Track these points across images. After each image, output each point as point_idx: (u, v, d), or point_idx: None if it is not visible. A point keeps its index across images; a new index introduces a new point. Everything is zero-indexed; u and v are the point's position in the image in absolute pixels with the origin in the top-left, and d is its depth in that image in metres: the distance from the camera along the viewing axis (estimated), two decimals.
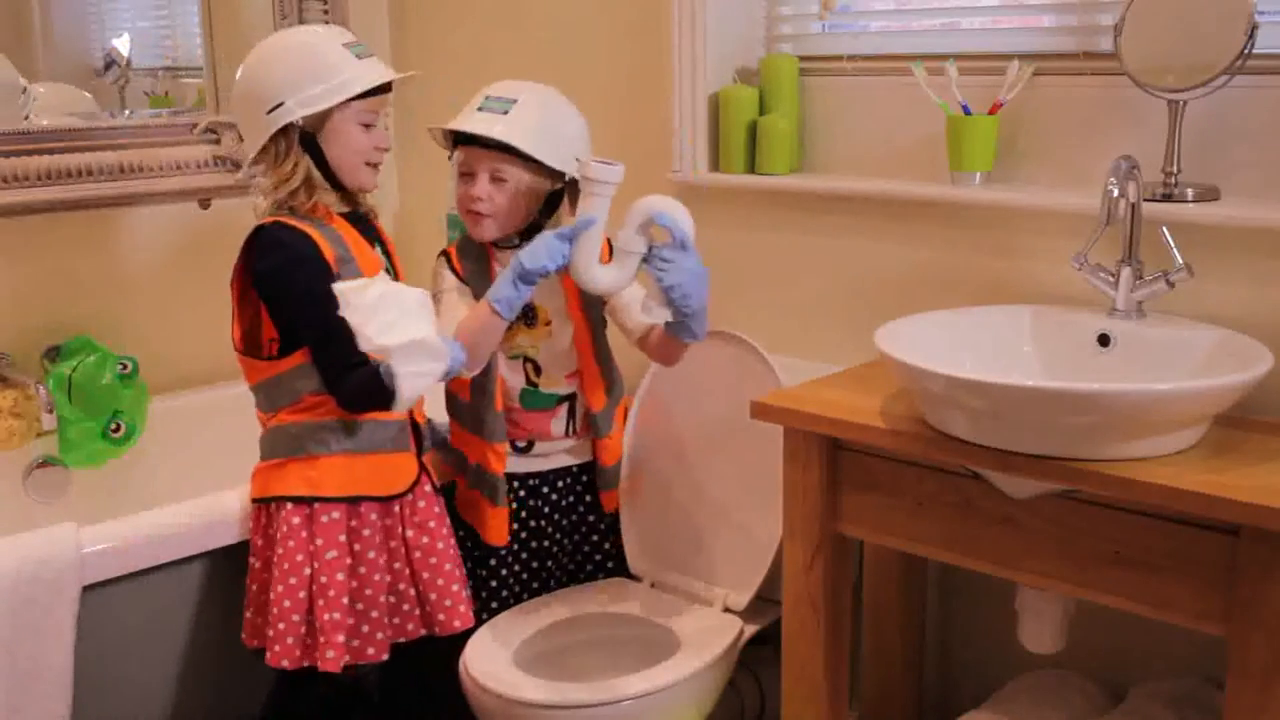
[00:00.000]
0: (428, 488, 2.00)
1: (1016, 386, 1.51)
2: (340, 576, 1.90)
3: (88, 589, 1.87)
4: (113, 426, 2.34)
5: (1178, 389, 1.50)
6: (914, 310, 1.85)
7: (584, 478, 2.17)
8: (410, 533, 1.97)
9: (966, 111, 1.98)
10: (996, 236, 1.99)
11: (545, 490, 2.14)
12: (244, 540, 1.98)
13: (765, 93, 2.24)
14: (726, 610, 2.06)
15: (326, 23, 2.63)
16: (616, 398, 2.15)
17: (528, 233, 2.01)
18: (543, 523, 2.14)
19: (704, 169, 2.31)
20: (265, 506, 1.94)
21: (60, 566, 1.83)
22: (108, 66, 2.66)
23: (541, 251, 1.82)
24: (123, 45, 2.67)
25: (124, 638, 1.95)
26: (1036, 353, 1.82)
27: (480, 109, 1.96)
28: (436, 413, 2.16)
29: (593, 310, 2.08)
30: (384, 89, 1.95)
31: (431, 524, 1.98)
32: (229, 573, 2.01)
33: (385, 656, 1.95)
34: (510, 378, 2.07)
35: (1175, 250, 1.72)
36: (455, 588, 1.98)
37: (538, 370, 2.08)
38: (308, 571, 1.90)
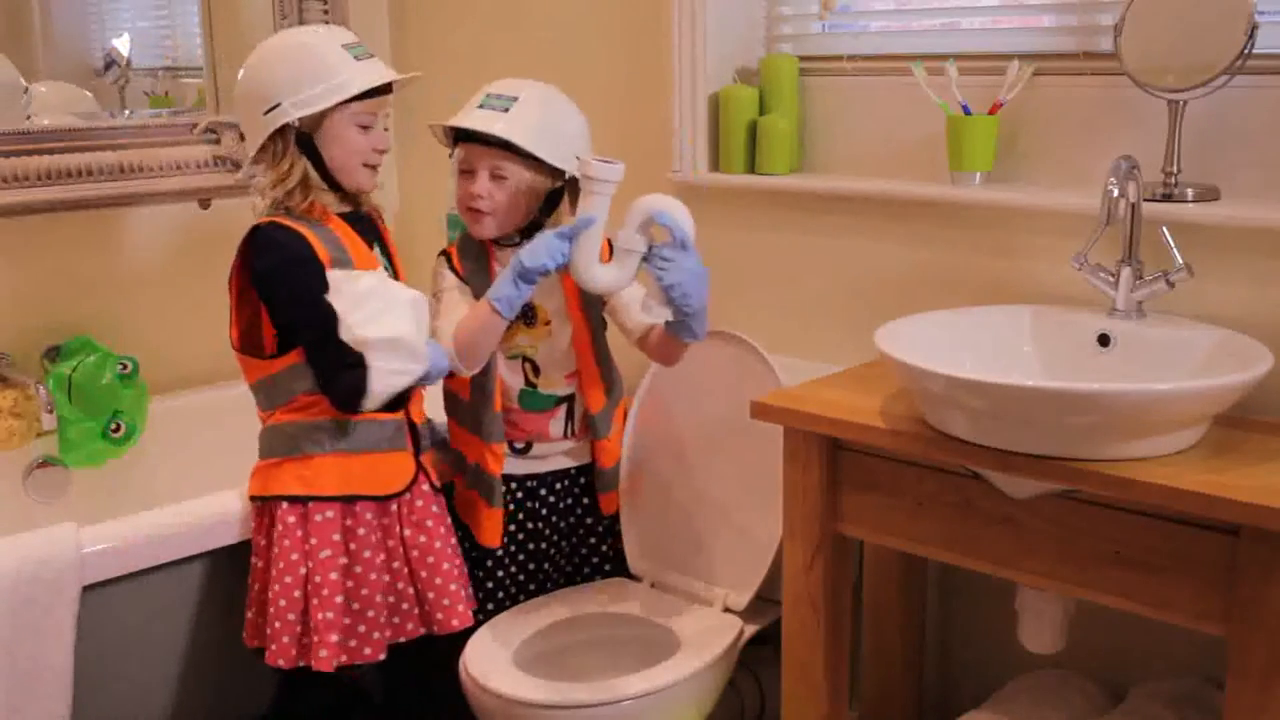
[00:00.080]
0: (425, 487, 2.00)
1: (1016, 386, 1.51)
2: (334, 576, 1.90)
3: (88, 589, 1.87)
4: (113, 426, 2.34)
5: (1178, 389, 1.50)
6: (914, 310, 1.85)
7: (582, 480, 2.17)
8: (408, 532, 1.97)
9: (966, 111, 1.98)
10: (996, 236, 1.99)
11: (543, 492, 2.14)
12: (244, 540, 1.98)
13: (765, 93, 2.24)
14: (726, 610, 2.06)
15: (326, 23, 2.63)
16: (615, 399, 2.15)
17: (528, 231, 2.01)
18: (540, 525, 2.14)
19: (704, 169, 2.31)
20: (264, 506, 1.94)
21: (60, 566, 1.83)
22: (108, 66, 2.66)
23: (541, 250, 1.82)
24: (123, 45, 2.67)
25: (124, 638, 1.95)
26: (1036, 353, 1.82)
27: (481, 106, 1.96)
28: (436, 413, 2.16)
29: (592, 310, 2.08)
30: (384, 90, 1.95)
31: (429, 523, 1.98)
32: (229, 573, 2.01)
33: (382, 656, 1.95)
34: (509, 378, 2.07)
35: (1175, 250, 1.72)
36: (453, 587, 1.98)
37: (536, 371, 2.08)
38: (303, 571, 1.90)
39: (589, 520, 2.19)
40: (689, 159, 2.31)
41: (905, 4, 2.23)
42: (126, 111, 2.64)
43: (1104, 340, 1.77)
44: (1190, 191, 1.78)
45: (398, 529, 1.96)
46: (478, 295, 1.96)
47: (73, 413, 2.28)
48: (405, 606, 1.98)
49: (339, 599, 1.90)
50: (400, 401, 1.93)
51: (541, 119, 1.96)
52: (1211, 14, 1.72)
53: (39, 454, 2.28)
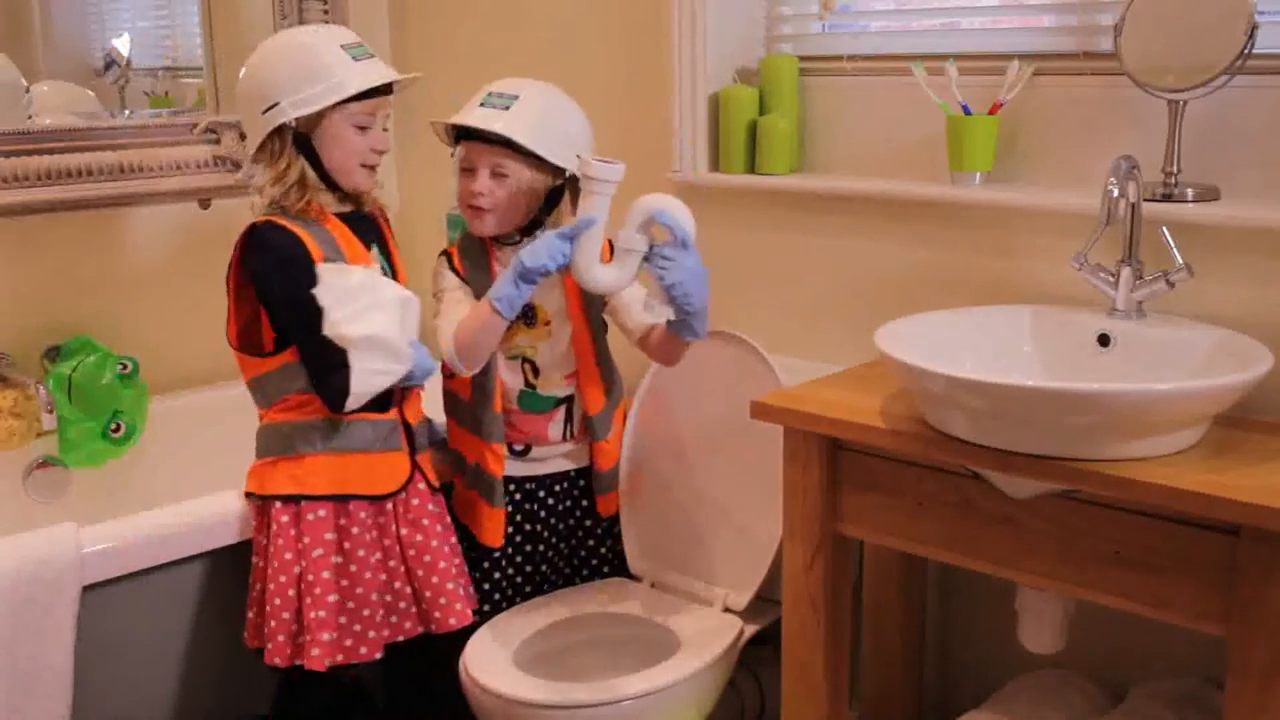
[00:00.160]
0: (421, 485, 2.00)
1: (1016, 386, 1.51)
2: (326, 575, 1.90)
3: (88, 589, 1.87)
4: (113, 426, 2.34)
5: (1178, 389, 1.50)
6: (914, 310, 1.85)
7: (581, 482, 2.17)
8: (404, 531, 1.97)
9: (966, 111, 1.98)
10: (996, 236, 1.99)
11: (542, 494, 2.14)
12: (244, 540, 1.98)
13: (765, 93, 2.24)
14: (726, 610, 2.06)
15: (327, 23, 2.63)
16: (615, 400, 2.15)
17: (528, 229, 2.02)
18: (539, 526, 2.14)
19: (704, 169, 2.31)
20: (262, 505, 1.95)
21: (60, 566, 1.83)
22: (108, 66, 2.66)
23: (542, 251, 1.82)
24: (123, 45, 2.67)
25: (124, 638, 1.95)
26: (1036, 353, 1.82)
27: (482, 104, 1.96)
28: (435, 413, 2.16)
29: (593, 310, 2.08)
30: (383, 91, 1.95)
31: (425, 522, 1.98)
32: (229, 573, 2.01)
33: (379, 655, 1.95)
34: (509, 379, 2.07)
35: (1175, 250, 1.72)
36: (450, 586, 1.98)
37: (536, 371, 2.08)
38: (297, 570, 1.91)
39: (588, 522, 2.19)
40: (689, 159, 2.31)
41: (905, 4, 2.23)
42: (126, 111, 2.64)
43: (1104, 340, 1.77)
44: (1190, 191, 1.78)
45: (393, 528, 1.96)
46: (478, 295, 1.96)
47: (73, 413, 2.28)
48: (402, 605, 1.98)
49: (331, 598, 1.90)
50: (387, 401, 1.94)
51: (542, 117, 1.96)
52: (1211, 14, 1.72)
53: (39, 454, 2.28)
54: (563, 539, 2.18)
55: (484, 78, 2.03)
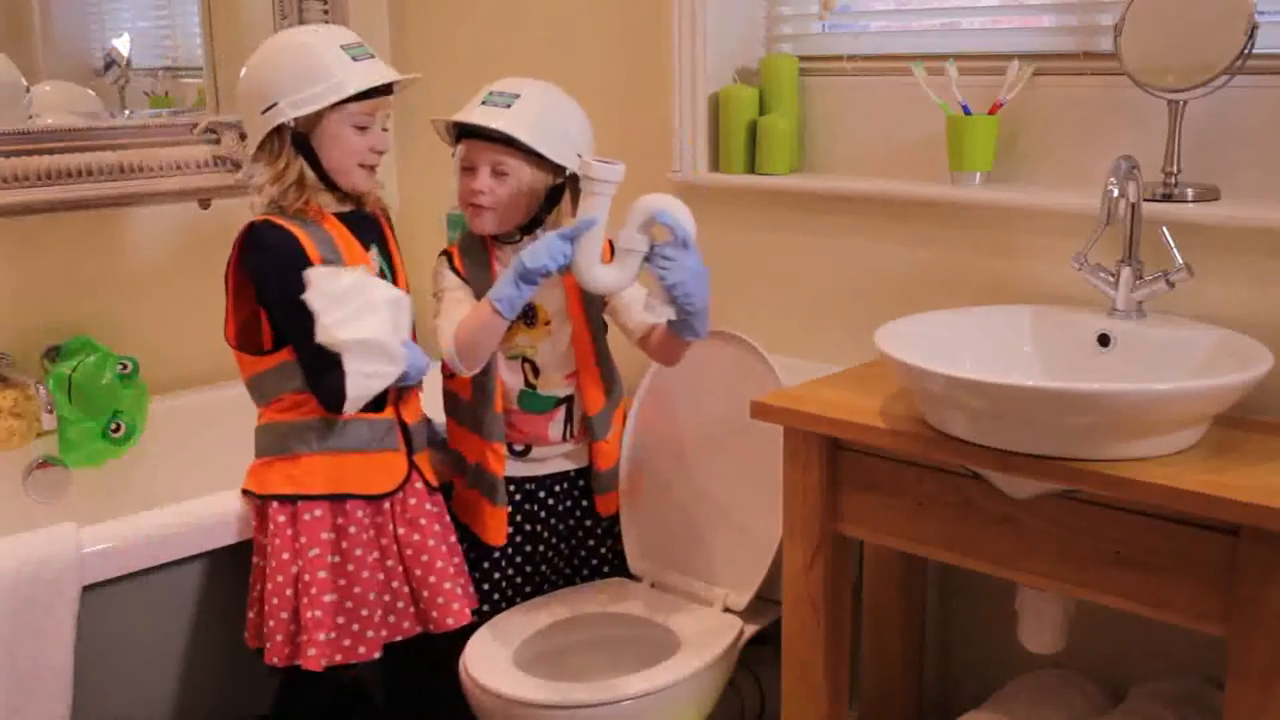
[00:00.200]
0: (419, 485, 2.00)
1: (1016, 386, 1.51)
2: (322, 574, 1.90)
3: (88, 589, 1.87)
4: (113, 426, 2.34)
5: (1178, 389, 1.50)
6: (914, 310, 1.85)
7: (581, 482, 2.17)
8: (401, 530, 1.97)
9: (966, 111, 1.98)
10: (996, 236, 1.99)
11: (542, 495, 2.14)
12: (244, 540, 1.98)
13: (765, 93, 2.24)
14: (726, 610, 2.06)
15: (327, 23, 2.63)
16: (615, 401, 2.15)
17: (528, 228, 2.02)
18: (539, 527, 2.14)
19: (704, 169, 2.31)
20: (259, 505, 1.95)
21: (60, 566, 1.83)
22: (108, 66, 2.66)
23: (543, 252, 1.82)
24: (123, 45, 2.67)
25: (124, 638, 1.95)
26: (1036, 353, 1.82)
27: (484, 103, 1.97)
28: (435, 413, 2.16)
29: (593, 310, 2.08)
30: (383, 91, 1.95)
31: (423, 521, 1.98)
32: (229, 573, 2.01)
33: (377, 655, 1.95)
34: (509, 379, 2.07)
35: (1175, 250, 1.72)
36: (448, 585, 1.98)
37: (536, 371, 2.08)
38: (294, 570, 1.91)
39: (588, 522, 2.19)
40: (689, 159, 2.31)
41: (905, 4, 2.23)
42: (126, 111, 2.64)
43: (1104, 340, 1.77)
44: (1190, 191, 1.78)
45: (391, 528, 1.97)
46: (479, 295, 1.96)
47: (73, 413, 2.28)
48: (401, 605, 1.98)
49: (327, 598, 1.90)
50: (382, 401, 1.94)
51: (543, 116, 1.96)
52: (1211, 14, 1.72)
53: (39, 454, 2.28)
54: (563, 539, 2.18)
55: (484, 78, 2.03)
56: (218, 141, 2.57)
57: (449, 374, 2.08)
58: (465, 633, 2.00)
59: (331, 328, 1.79)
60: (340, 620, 1.92)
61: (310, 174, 1.92)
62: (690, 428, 2.17)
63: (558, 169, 1.99)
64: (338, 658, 1.91)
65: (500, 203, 1.98)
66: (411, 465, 2.00)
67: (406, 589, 1.98)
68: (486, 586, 2.13)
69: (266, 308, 1.90)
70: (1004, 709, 1.92)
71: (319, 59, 1.89)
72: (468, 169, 1.99)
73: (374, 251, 2.00)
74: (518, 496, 2.12)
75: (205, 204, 2.57)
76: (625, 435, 2.20)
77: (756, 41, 2.34)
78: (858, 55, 2.20)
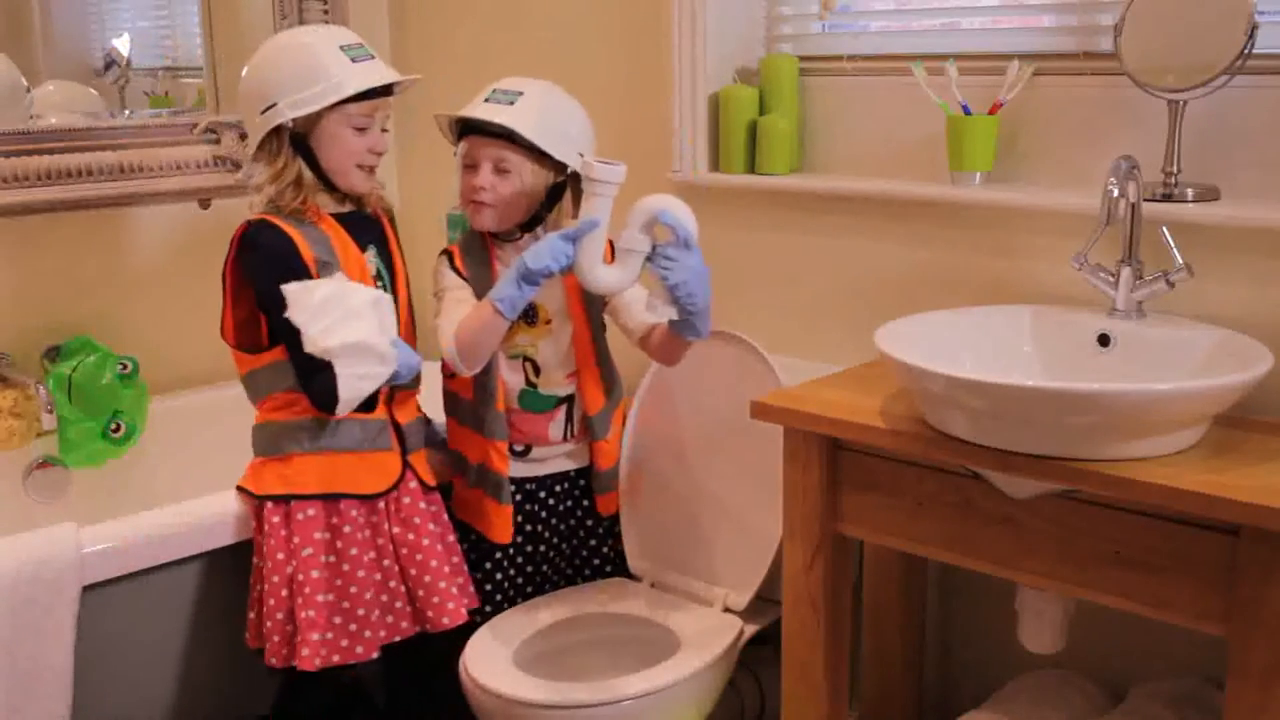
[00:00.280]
0: (413, 484, 2.00)
1: (1016, 386, 1.51)
2: (316, 574, 1.91)
3: (88, 589, 1.87)
4: (113, 426, 2.34)
5: (1178, 389, 1.50)
6: (914, 310, 1.85)
7: (581, 482, 2.17)
8: (397, 530, 1.97)
9: (966, 111, 1.98)
10: (996, 236, 1.99)
11: (542, 494, 2.14)
12: (244, 540, 1.98)
13: (765, 93, 2.24)
14: (726, 610, 2.06)
15: (326, 23, 2.63)
16: (615, 400, 2.15)
17: (529, 226, 2.02)
18: (539, 527, 2.14)
19: (704, 169, 2.31)
20: (256, 506, 1.95)
21: (60, 566, 1.83)
22: (108, 66, 2.66)
23: (545, 252, 1.82)
24: (123, 45, 2.67)
25: (124, 638, 1.95)
26: (1036, 353, 1.82)
27: (487, 100, 1.98)
28: (435, 413, 2.16)
29: (593, 310, 2.08)
30: (382, 92, 1.95)
31: (417, 520, 1.98)
32: (229, 573, 2.01)
33: (375, 655, 1.95)
34: (510, 378, 2.07)
35: (1175, 250, 1.72)
36: (444, 584, 1.98)
37: (537, 370, 2.08)
38: (289, 570, 1.91)
39: (589, 522, 2.19)
40: (689, 159, 2.31)
41: (905, 4, 2.23)
42: (126, 111, 2.64)
43: (1104, 340, 1.77)
44: (1190, 191, 1.78)
45: (387, 527, 1.97)
46: (480, 294, 1.96)
47: (73, 413, 2.28)
48: (398, 605, 1.98)
49: (320, 597, 1.90)
50: (372, 402, 1.94)
51: (546, 113, 1.97)
52: (1211, 14, 1.72)
53: (39, 454, 2.28)
54: (563, 539, 2.18)
55: (484, 78, 2.03)
56: (218, 141, 2.57)
57: (449, 374, 2.08)
58: (465, 633, 2.00)
59: (318, 338, 1.80)
60: (337, 620, 1.92)
61: (308, 174, 1.92)
62: (690, 428, 2.17)
63: (559, 167, 1.99)
64: (335, 658, 1.91)
65: (502, 200, 1.98)
66: (405, 464, 2.00)
67: (403, 589, 1.98)
68: (488, 587, 2.13)
69: (262, 309, 1.91)
70: (1004, 709, 1.92)
71: (318, 59, 1.89)
72: (469, 167, 2.00)
73: (371, 252, 2.00)
74: (518, 496, 2.12)
75: (205, 204, 2.57)
76: (625, 435, 2.20)
77: (756, 41, 2.34)
78: (858, 55, 2.20)
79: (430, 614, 1.97)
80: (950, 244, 2.04)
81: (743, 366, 2.07)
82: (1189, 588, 1.48)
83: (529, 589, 2.16)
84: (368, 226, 2.01)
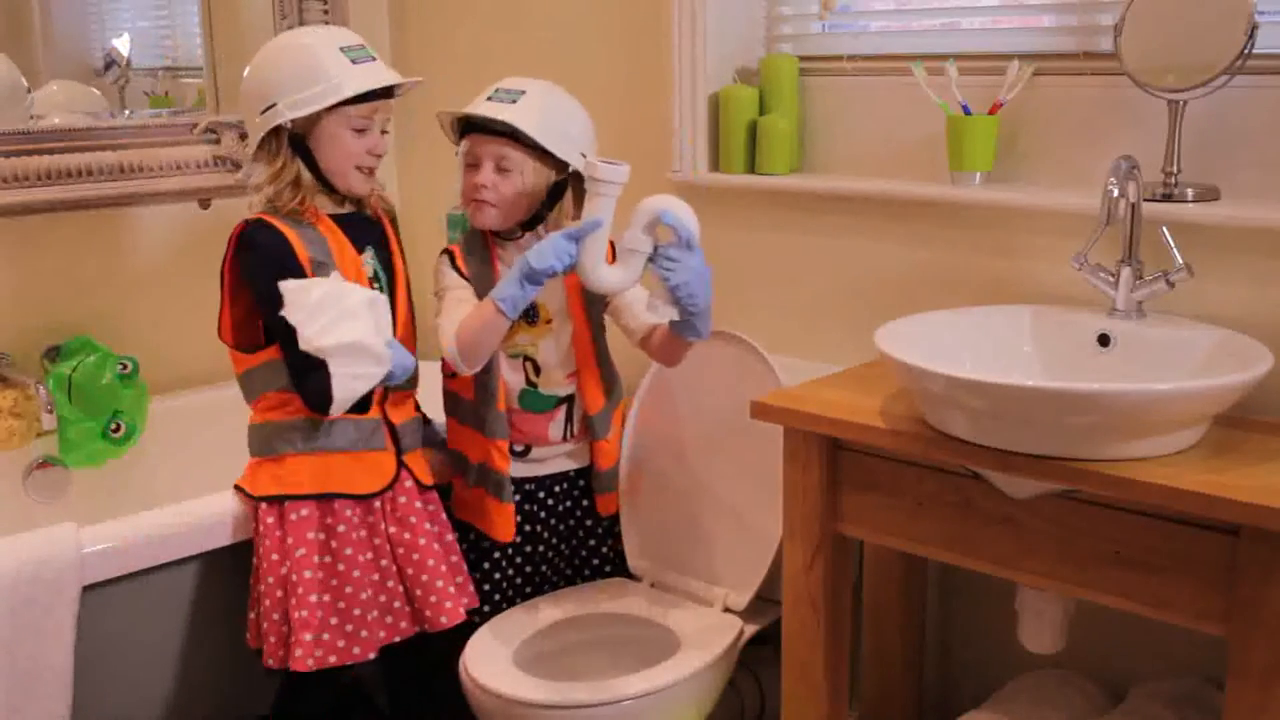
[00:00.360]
0: (409, 483, 2.00)
1: (1016, 386, 1.51)
2: (309, 574, 1.91)
3: (88, 589, 1.87)
4: (113, 426, 2.34)
5: (1178, 389, 1.50)
6: (914, 310, 1.85)
7: (581, 482, 2.17)
8: (393, 529, 1.98)
9: (966, 111, 1.98)
10: (996, 236, 1.99)
11: (542, 495, 2.14)
12: (244, 540, 1.98)
13: (765, 93, 2.24)
14: (726, 610, 2.06)
15: (326, 23, 2.63)
16: (615, 401, 2.15)
17: (530, 224, 2.02)
18: (539, 527, 2.14)
19: (704, 169, 2.31)
20: (252, 506, 1.96)
21: (60, 566, 1.83)
22: (108, 66, 2.66)
23: (549, 252, 1.82)
24: (123, 45, 2.67)
25: (124, 638, 1.95)
26: (1036, 353, 1.82)
27: (489, 99, 1.98)
28: (435, 413, 2.16)
29: (593, 310, 2.08)
30: (383, 94, 1.95)
31: (413, 519, 1.99)
32: (229, 573, 2.01)
33: (372, 655, 1.95)
34: (510, 378, 2.07)
35: (1175, 250, 1.72)
36: (441, 584, 1.98)
37: (537, 370, 2.08)
38: (284, 570, 1.91)
39: (588, 522, 2.19)
40: (689, 159, 2.31)
41: (905, 4, 2.23)
42: (126, 111, 2.64)
43: (1104, 340, 1.77)
44: (1190, 191, 1.78)
45: (383, 527, 1.97)
46: (481, 293, 1.96)
47: (73, 413, 2.28)
48: (397, 605, 1.98)
49: (313, 598, 1.90)
50: (366, 402, 1.94)
51: (548, 111, 1.97)
52: (1211, 14, 1.72)
53: (39, 454, 2.28)
54: (563, 539, 2.18)
55: (484, 78, 2.03)
56: (218, 141, 2.57)
57: (450, 374, 2.08)
58: (465, 633, 2.00)
59: (313, 337, 1.80)
60: (333, 621, 1.92)
61: (307, 175, 1.93)
62: (690, 427, 2.17)
63: (560, 166, 1.99)
64: (330, 659, 1.91)
65: (503, 199, 1.98)
66: (401, 464, 2.00)
67: (401, 589, 1.98)
68: (487, 586, 2.13)
69: (259, 308, 1.91)
70: (1004, 709, 1.92)
71: (318, 60, 1.89)
72: (471, 165, 2.00)
73: (369, 254, 2.00)
74: (518, 496, 2.12)
75: (205, 204, 2.57)
76: (625, 435, 2.20)
77: (756, 41, 2.34)
78: (858, 55, 2.20)
79: (428, 614, 1.97)
80: (950, 244, 2.04)
81: (743, 366, 2.07)
82: (1189, 588, 1.48)
83: (528, 589, 2.16)
84: (367, 228, 2.01)
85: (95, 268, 2.50)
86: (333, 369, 1.81)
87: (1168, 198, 1.78)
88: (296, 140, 1.90)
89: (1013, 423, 1.52)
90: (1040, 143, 1.99)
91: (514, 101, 1.95)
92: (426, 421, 2.14)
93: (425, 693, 2.19)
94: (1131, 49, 1.79)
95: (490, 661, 1.93)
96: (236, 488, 1.98)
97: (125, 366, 2.38)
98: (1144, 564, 1.51)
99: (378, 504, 1.97)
